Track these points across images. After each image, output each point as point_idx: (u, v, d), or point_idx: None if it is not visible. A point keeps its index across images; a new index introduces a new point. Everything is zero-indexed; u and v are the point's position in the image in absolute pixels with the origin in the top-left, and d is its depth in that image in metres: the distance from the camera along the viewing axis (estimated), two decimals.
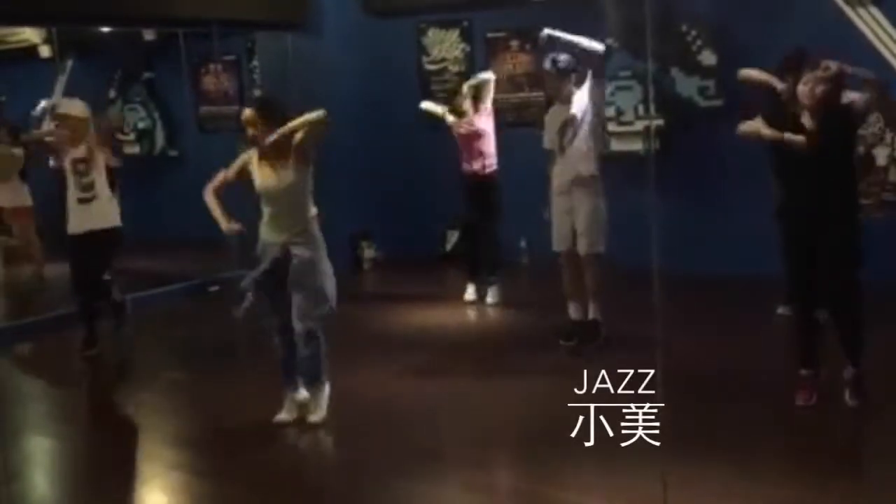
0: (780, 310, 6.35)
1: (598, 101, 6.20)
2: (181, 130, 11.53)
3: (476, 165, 7.61)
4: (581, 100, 6.16)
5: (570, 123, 6.15)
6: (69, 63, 11.05)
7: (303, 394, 5.23)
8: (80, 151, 6.62)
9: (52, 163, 10.04)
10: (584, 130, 6.12)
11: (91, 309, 6.80)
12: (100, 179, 6.64)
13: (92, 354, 6.75)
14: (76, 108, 6.79)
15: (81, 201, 6.61)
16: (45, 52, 10.60)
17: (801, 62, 5.24)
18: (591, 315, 6.28)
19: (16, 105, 11.82)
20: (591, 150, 6.15)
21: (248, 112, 5.06)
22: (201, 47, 10.11)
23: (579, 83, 6.20)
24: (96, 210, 6.61)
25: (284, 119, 5.05)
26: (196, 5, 8.36)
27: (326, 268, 5.15)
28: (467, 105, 7.62)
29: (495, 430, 5.18)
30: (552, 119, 6.31)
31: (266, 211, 5.12)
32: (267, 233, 5.11)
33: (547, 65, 6.26)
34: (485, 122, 7.61)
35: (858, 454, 4.75)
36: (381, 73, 9.63)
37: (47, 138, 7.12)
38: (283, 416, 5.19)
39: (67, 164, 6.63)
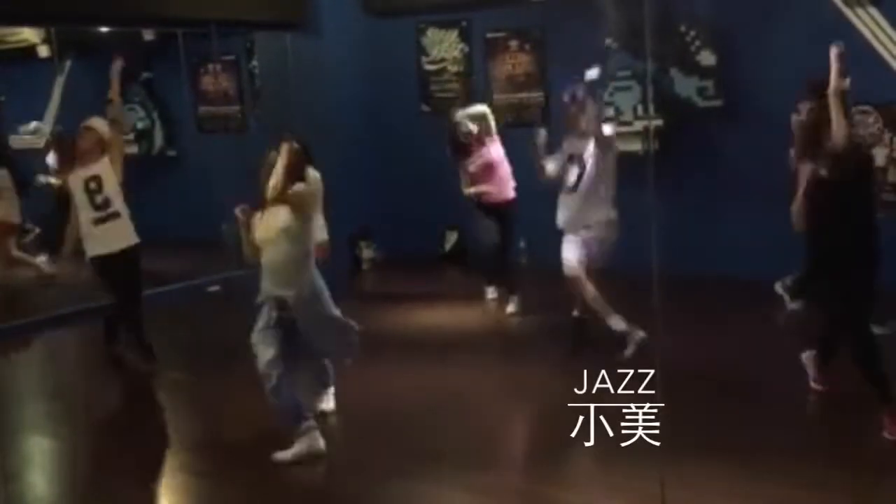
0: (792, 305, 6.29)
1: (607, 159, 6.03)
2: (180, 130, 11.52)
3: (494, 191, 7.51)
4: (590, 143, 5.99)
5: (576, 161, 6.02)
6: (68, 63, 11.06)
7: (311, 423, 4.87)
8: (93, 169, 6.36)
9: (42, 180, 10.05)
10: (595, 175, 5.96)
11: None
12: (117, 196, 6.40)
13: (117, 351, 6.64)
14: (100, 123, 6.60)
15: (98, 221, 6.32)
16: (43, 51, 10.60)
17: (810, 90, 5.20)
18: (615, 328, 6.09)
19: (15, 105, 11.83)
20: (607, 194, 6.04)
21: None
22: (200, 47, 10.10)
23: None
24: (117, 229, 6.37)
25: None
26: (195, 5, 8.35)
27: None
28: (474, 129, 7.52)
29: (495, 429, 5.19)
30: (569, 149, 6.15)
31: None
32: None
33: (565, 97, 6.15)
34: (495, 150, 7.55)
35: (859, 453, 4.75)
36: (380, 73, 9.63)
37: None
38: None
39: (78, 182, 6.34)
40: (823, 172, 4.72)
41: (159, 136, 11.60)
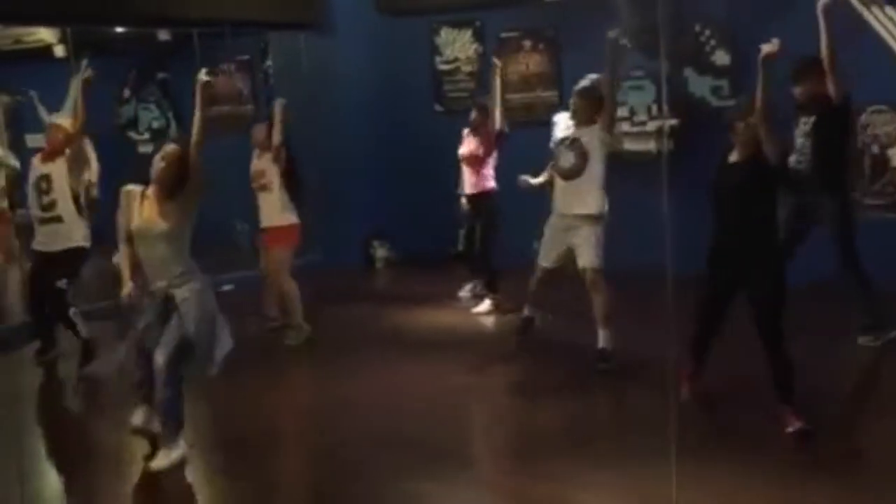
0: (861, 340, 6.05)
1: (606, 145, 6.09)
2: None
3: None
4: (592, 134, 6.04)
5: (571, 144, 6.05)
6: (84, 63, 11.10)
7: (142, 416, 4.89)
8: (47, 168, 6.44)
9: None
10: (595, 167, 6.01)
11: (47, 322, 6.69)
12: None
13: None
14: (68, 120, 6.57)
15: (41, 221, 6.43)
16: (59, 51, 10.62)
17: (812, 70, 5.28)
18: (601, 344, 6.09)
19: (31, 104, 11.87)
20: (601, 188, 6.08)
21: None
22: (215, 47, 10.13)
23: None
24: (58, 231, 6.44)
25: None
26: (210, 6, 8.40)
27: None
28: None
29: (506, 429, 5.19)
30: (557, 127, 6.32)
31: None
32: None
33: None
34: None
35: (871, 457, 4.73)
36: (394, 73, 9.65)
37: None
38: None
39: (33, 179, 6.43)
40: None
41: (174, 136, 11.65)
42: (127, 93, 11.76)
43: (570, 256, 6.15)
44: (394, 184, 9.63)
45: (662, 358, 5.74)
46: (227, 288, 8.47)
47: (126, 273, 4.86)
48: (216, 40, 9.76)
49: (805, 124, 5.95)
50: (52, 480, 5.07)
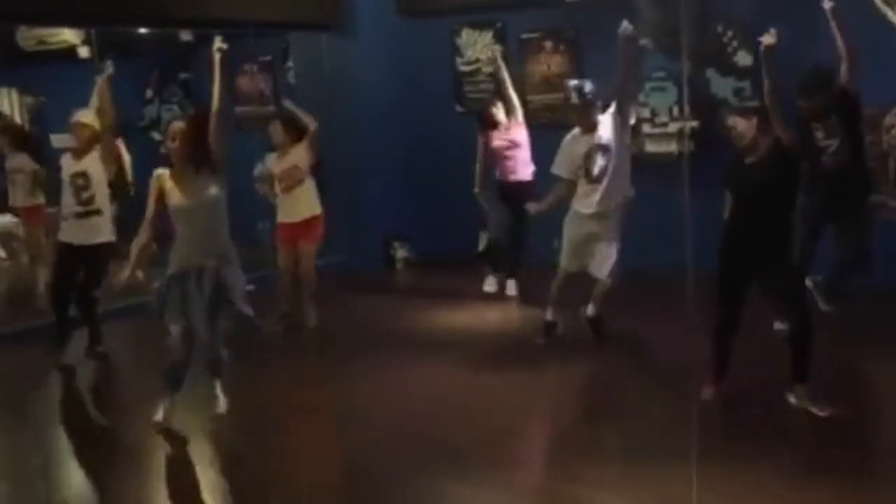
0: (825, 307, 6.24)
1: (623, 129, 6.26)
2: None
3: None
4: (608, 127, 6.19)
5: (599, 151, 6.17)
6: (108, 63, 11.20)
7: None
8: (82, 164, 6.54)
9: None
10: (620, 158, 6.19)
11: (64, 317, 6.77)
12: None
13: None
14: (92, 117, 6.67)
15: (79, 216, 6.53)
16: (83, 52, 10.72)
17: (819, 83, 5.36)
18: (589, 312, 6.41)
19: (55, 105, 12.00)
20: (627, 178, 6.29)
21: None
22: (237, 48, 10.18)
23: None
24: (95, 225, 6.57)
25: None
26: (232, 6, 8.44)
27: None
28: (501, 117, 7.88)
29: (524, 428, 5.19)
30: (573, 147, 6.31)
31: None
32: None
33: (572, 94, 6.31)
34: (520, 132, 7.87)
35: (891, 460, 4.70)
36: (414, 74, 9.66)
37: None
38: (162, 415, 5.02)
39: (67, 176, 6.54)
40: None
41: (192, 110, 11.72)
42: (150, 93, 11.85)
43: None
44: (414, 185, 9.65)
45: (684, 357, 5.78)
46: (248, 288, 8.52)
47: (134, 257, 4.96)
48: (238, 41, 9.80)
49: (817, 129, 5.98)
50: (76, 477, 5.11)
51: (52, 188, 9.60)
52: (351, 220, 9.16)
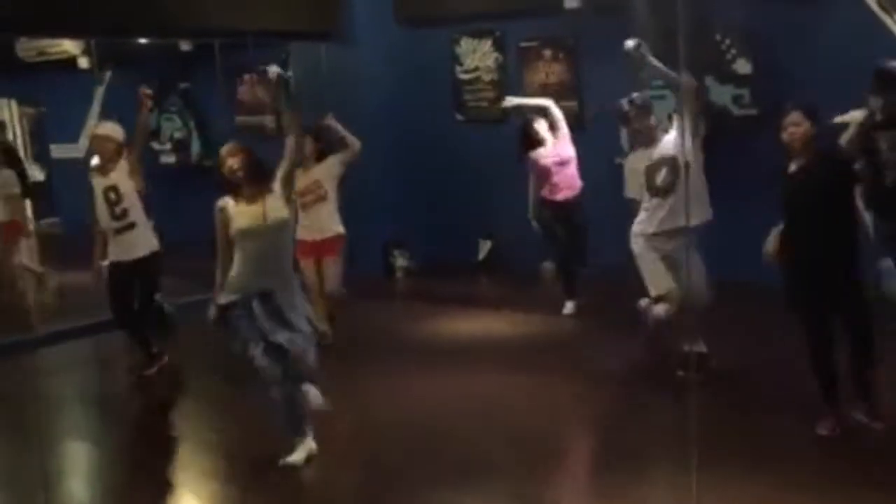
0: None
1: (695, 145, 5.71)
2: (217, 140, 11.63)
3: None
4: (672, 141, 5.71)
5: (663, 164, 5.70)
6: (107, 74, 11.22)
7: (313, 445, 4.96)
8: (112, 178, 6.47)
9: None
10: (693, 175, 5.62)
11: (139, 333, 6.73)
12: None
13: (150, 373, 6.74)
14: (112, 129, 6.63)
15: (116, 231, 6.46)
16: (83, 63, 10.76)
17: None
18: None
19: (56, 115, 12.03)
20: (704, 199, 5.72)
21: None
22: (237, 58, 10.21)
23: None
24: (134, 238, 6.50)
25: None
26: (232, 16, 8.46)
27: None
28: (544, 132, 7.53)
29: (529, 439, 5.18)
30: (635, 164, 5.93)
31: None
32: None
33: (624, 105, 5.95)
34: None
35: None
36: (414, 83, 9.68)
37: None
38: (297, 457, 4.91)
39: (98, 192, 6.47)
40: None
41: (196, 146, 11.73)
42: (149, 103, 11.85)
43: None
44: (414, 193, 9.65)
45: (684, 366, 5.78)
46: None
47: (218, 284, 4.81)
48: (238, 51, 9.83)
49: (883, 139, 5.28)
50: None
51: (49, 200, 9.59)
52: (350, 228, 9.15)
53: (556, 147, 7.49)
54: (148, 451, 5.53)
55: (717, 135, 7.90)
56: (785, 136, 4.66)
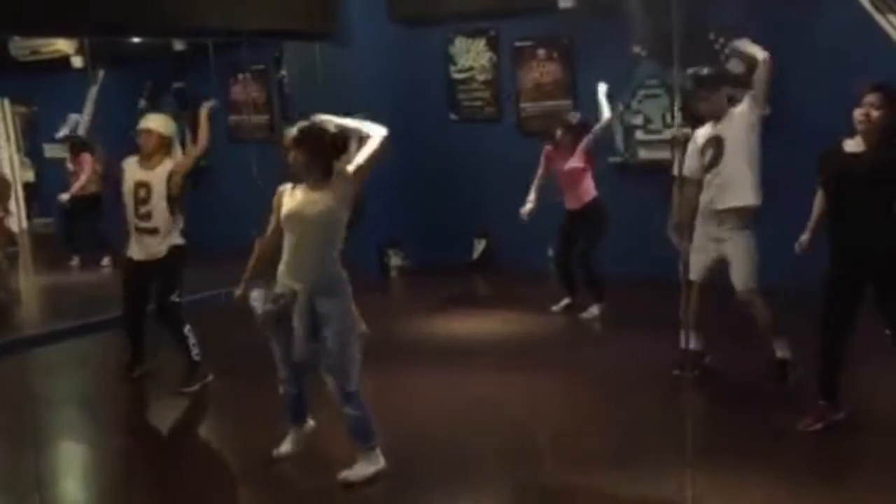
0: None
1: (754, 123, 5.57)
2: (211, 139, 11.57)
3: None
4: (735, 120, 5.56)
5: (714, 142, 5.58)
6: (101, 73, 11.20)
7: (311, 424, 4.91)
8: (147, 175, 6.18)
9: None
10: (740, 155, 5.50)
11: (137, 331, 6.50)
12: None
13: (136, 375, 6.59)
14: (158, 122, 6.39)
15: (138, 231, 6.20)
16: (77, 62, 10.73)
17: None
18: (778, 354, 5.54)
19: (49, 115, 12.00)
20: (748, 178, 5.52)
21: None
22: (230, 57, 10.20)
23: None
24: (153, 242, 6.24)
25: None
26: (225, 16, 8.44)
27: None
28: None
29: (524, 438, 5.18)
30: (694, 141, 5.73)
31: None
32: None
33: (688, 82, 5.82)
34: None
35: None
36: (408, 82, 9.68)
37: None
38: (286, 447, 4.86)
39: (130, 185, 6.19)
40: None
41: (190, 146, 11.70)
42: (143, 103, 11.82)
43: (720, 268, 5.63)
44: (409, 192, 9.65)
45: (677, 364, 5.79)
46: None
47: (248, 270, 4.70)
48: (232, 50, 9.82)
49: None
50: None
51: (41, 200, 9.55)
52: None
53: (567, 160, 7.43)
54: (144, 451, 5.52)
55: None
56: (859, 113, 4.53)
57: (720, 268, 5.62)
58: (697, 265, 5.65)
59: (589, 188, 7.48)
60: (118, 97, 11.32)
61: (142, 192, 6.18)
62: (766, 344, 5.56)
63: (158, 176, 6.17)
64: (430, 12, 9.38)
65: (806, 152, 5.22)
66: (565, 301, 7.71)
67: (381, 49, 9.61)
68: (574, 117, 7.74)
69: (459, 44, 9.67)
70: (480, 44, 9.56)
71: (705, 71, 5.83)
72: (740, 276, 5.52)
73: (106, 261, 10.38)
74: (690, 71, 5.86)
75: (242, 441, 5.40)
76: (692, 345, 5.70)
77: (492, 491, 4.56)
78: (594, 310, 7.48)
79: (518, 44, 9.30)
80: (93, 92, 11.08)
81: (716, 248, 5.61)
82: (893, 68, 7.13)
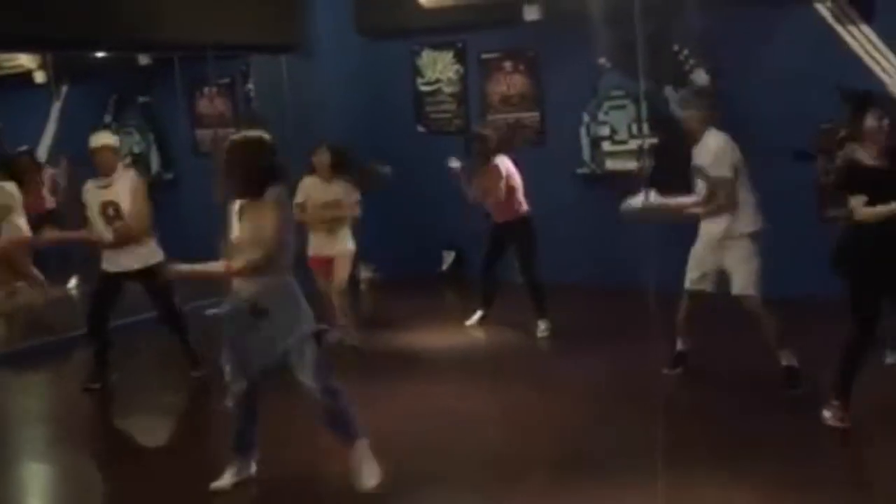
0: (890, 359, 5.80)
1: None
2: (176, 154, 11.54)
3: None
4: (708, 148, 5.60)
5: (697, 174, 5.69)
6: (64, 88, 11.09)
7: (253, 468, 4.72)
8: (111, 193, 6.24)
9: None
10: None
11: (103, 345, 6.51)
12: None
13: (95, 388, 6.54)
14: (110, 138, 6.47)
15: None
16: (39, 77, 10.65)
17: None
18: (784, 362, 5.54)
19: (12, 130, 11.84)
20: (745, 205, 5.57)
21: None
22: (196, 71, 10.14)
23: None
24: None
25: None
26: (191, 29, 8.40)
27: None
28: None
29: (495, 450, 5.16)
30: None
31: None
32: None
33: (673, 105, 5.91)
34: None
35: (863, 467, 4.76)
36: (375, 95, 9.67)
37: None
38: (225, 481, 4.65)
39: (95, 203, 6.24)
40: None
41: (156, 160, 11.62)
42: (108, 118, 11.73)
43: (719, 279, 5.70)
44: (377, 205, 9.60)
45: (655, 373, 5.82)
46: (212, 312, 8.43)
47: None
48: (198, 63, 9.77)
49: None
50: None
51: None
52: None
53: (484, 182, 7.34)
54: (105, 467, 5.45)
55: (675, 144, 8.02)
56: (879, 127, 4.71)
57: (719, 279, 5.68)
58: (696, 275, 5.72)
59: (516, 203, 7.31)
60: (83, 112, 11.21)
61: (110, 211, 6.22)
62: (772, 353, 5.55)
63: (122, 191, 6.23)
64: (396, 25, 9.39)
65: (759, 167, 5.30)
66: (479, 313, 7.68)
67: (349, 62, 9.61)
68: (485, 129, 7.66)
69: (426, 56, 9.69)
70: (447, 56, 9.58)
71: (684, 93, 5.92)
72: (741, 283, 5.55)
73: (73, 282, 10.19)
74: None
75: (206, 455, 5.33)
76: (679, 346, 5.88)
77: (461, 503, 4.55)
78: (542, 325, 7.32)
79: (485, 56, 9.34)
80: (56, 107, 10.97)
81: (714, 260, 5.66)
82: (854, 79, 7.27)
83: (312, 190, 7.12)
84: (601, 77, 8.51)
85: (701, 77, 7.94)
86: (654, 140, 8.09)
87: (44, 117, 11.08)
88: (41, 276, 8.96)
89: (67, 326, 7.99)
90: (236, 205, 4.42)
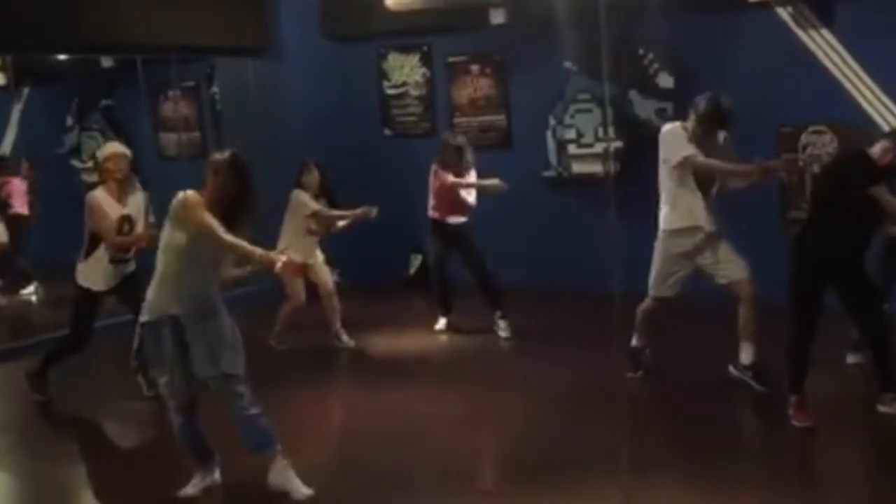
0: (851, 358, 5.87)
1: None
2: (140, 158, 11.37)
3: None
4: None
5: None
6: (25, 91, 10.96)
7: (217, 474, 4.70)
8: (129, 209, 6.10)
9: None
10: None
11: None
12: None
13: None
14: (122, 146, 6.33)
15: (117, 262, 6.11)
16: (0, 79, 10.50)
17: None
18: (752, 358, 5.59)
19: None
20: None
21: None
22: (160, 73, 10.05)
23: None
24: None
25: None
26: (154, 32, 8.32)
27: None
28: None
29: (461, 455, 5.16)
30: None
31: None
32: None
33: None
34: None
35: (826, 465, 4.81)
36: (341, 98, 9.63)
37: None
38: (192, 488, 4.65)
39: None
40: None
41: None
42: (70, 121, 11.59)
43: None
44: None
45: (619, 375, 5.84)
46: None
47: None
48: (162, 66, 9.68)
49: None
50: None
51: None
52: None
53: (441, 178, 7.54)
54: (69, 475, 5.37)
55: (641, 147, 8.08)
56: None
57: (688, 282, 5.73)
58: (672, 281, 5.72)
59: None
60: (45, 115, 11.08)
61: (126, 227, 6.09)
62: (739, 348, 5.59)
63: (137, 207, 6.19)
64: (362, 28, 9.36)
65: None
66: (443, 320, 7.71)
67: (314, 65, 9.57)
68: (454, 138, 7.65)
69: (393, 59, 9.67)
70: (414, 59, 9.57)
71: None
72: (735, 268, 5.61)
73: (31, 289, 10.03)
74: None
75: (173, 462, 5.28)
76: (634, 342, 5.92)
77: None
78: (502, 323, 7.36)
79: (451, 59, 9.34)
80: (17, 110, 10.82)
81: (689, 263, 5.71)
82: (814, 83, 7.38)
83: (312, 202, 7.39)
84: (567, 80, 8.54)
85: (665, 80, 8.00)
86: (620, 143, 8.14)
87: (3, 120, 10.94)
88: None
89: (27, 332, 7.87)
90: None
